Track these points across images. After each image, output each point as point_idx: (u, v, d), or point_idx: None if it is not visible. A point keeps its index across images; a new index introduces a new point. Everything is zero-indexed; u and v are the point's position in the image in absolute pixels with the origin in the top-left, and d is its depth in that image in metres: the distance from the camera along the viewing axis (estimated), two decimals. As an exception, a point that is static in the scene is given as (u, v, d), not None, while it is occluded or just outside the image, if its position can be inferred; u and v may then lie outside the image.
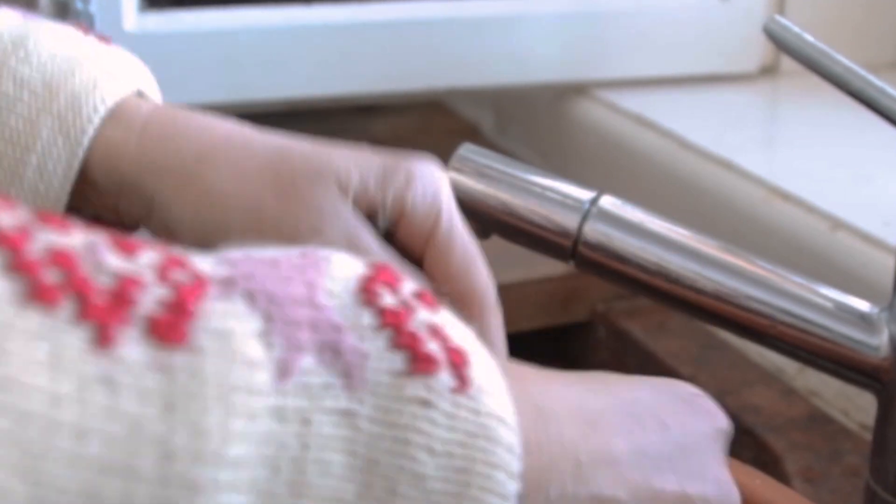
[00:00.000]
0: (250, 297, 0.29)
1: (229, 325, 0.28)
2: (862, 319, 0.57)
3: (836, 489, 0.70)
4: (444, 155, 0.61)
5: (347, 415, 0.30)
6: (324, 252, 0.32)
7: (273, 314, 0.29)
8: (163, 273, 0.28)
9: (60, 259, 0.26)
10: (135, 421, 0.26)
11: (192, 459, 0.26)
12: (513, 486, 0.32)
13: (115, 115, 0.50)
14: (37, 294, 0.25)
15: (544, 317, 0.92)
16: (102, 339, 0.26)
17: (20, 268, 0.25)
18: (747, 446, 0.77)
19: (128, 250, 0.28)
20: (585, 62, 1.07)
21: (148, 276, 0.27)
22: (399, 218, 0.50)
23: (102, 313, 0.26)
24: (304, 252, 0.32)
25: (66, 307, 0.26)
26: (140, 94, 0.53)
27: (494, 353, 0.47)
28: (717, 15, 1.09)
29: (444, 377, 0.31)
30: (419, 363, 0.31)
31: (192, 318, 0.27)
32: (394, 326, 0.31)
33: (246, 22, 0.99)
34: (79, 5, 0.90)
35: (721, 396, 0.80)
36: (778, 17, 0.58)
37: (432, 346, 0.32)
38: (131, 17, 0.95)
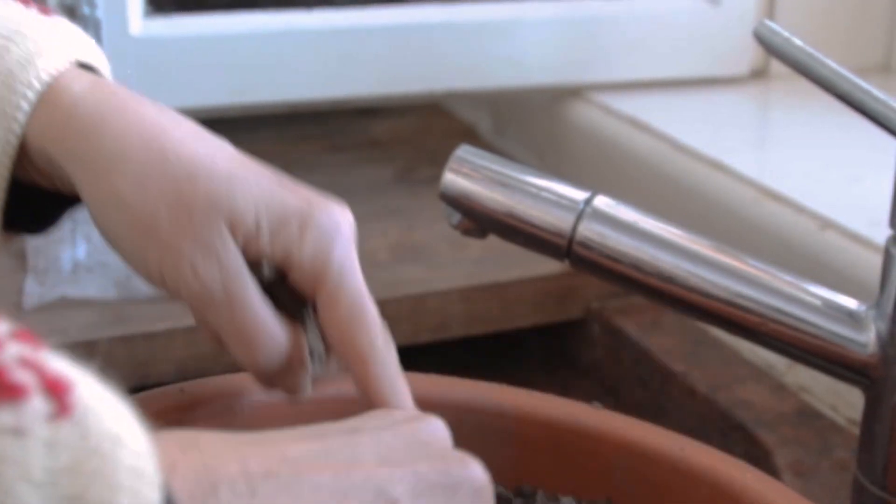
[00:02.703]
0: None
1: None
2: (850, 317, 0.57)
3: (824, 483, 0.70)
4: (442, 156, 0.61)
5: None
6: None
7: None
8: None
9: None
10: None
11: None
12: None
13: (47, 96, 0.49)
14: None
15: (540, 314, 0.92)
16: None
17: None
18: (738, 441, 0.76)
19: None
20: (580, 66, 1.07)
21: None
22: (287, 267, 0.50)
23: None
24: None
25: None
26: (81, 65, 0.52)
27: (373, 404, 0.48)
28: (708, 20, 1.09)
29: (38, 404, 0.29)
30: (4, 392, 0.29)
31: None
32: None
33: (249, 26, 0.99)
34: (85, 10, 0.90)
35: (713, 392, 0.80)
36: (768, 22, 0.58)
37: (22, 376, 0.29)
38: (137, 21, 0.95)
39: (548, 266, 0.89)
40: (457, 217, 0.61)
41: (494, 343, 0.94)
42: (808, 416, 0.77)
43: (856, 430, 0.68)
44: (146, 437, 0.31)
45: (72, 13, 0.89)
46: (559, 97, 1.10)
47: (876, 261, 0.59)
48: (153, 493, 0.30)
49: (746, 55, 1.11)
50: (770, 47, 0.58)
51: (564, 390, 0.76)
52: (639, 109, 1.03)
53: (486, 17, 1.05)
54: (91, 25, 0.90)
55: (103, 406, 0.31)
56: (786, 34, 0.58)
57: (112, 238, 0.48)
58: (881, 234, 0.58)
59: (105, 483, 0.30)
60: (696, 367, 0.83)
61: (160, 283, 0.48)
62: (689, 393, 0.82)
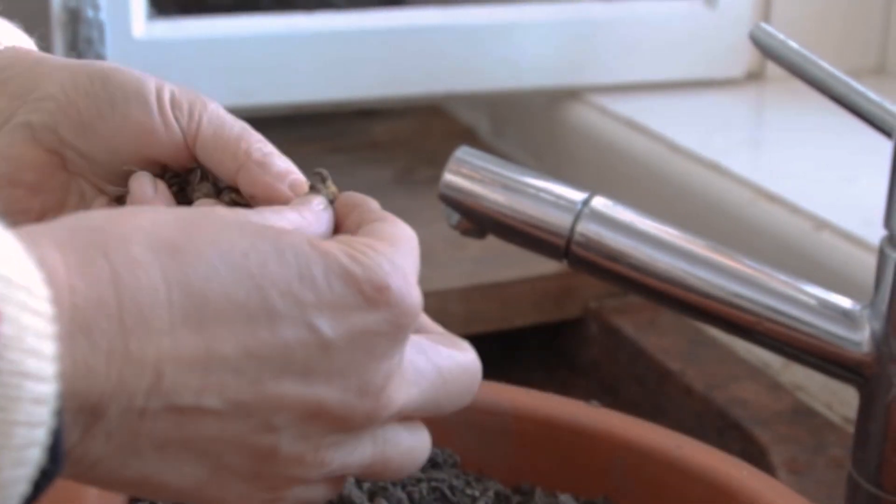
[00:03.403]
0: None
1: None
2: (845, 316, 0.57)
3: (820, 480, 0.70)
4: (441, 157, 0.61)
5: None
6: None
7: None
8: None
9: None
10: None
11: None
12: (42, 389, 0.28)
13: None
14: None
15: (539, 314, 0.92)
16: None
17: None
18: (734, 439, 0.76)
19: None
20: (578, 68, 1.07)
21: None
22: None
23: None
24: None
25: None
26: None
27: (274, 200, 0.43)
28: (704, 22, 1.09)
29: None
30: None
31: None
32: None
33: (251, 29, 0.99)
34: (89, 13, 0.90)
35: (710, 391, 0.80)
36: (763, 25, 0.58)
37: None
38: (140, 24, 0.95)
39: (546, 266, 0.89)
40: (456, 217, 0.61)
41: (493, 342, 0.94)
42: (803, 414, 0.77)
43: (850, 428, 0.68)
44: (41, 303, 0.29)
45: (76, 16, 0.89)
46: (557, 99, 1.10)
47: (870, 261, 0.59)
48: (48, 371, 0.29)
49: (742, 57, 1.11)
50: (766, 50, 0.58)
51: (563, 389, 0.76)
52: (636, 111, 1.03)
53: (484, 19, 1.05)
54: (95, 28, 0.90)
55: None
56: (781, 37, 0.58)
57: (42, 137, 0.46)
58: (875, 234, 0.58)
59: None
60: (693, 366, 0.83)
61: None
62: (685, 391, 0.82)
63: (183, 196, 0.47)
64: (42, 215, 0.45)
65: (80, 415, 0.31)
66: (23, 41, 0.52)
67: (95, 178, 0.47)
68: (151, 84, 0.45)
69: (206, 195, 0.47)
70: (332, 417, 0.36)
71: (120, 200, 0.48)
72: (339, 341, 0.35)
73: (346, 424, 0.36)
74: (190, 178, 0.48)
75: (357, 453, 0.37)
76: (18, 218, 0.44)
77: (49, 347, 0.29)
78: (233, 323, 0.33)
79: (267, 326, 0.34)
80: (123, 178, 0.47)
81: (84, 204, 0.47)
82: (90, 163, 0.46)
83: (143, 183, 0.45)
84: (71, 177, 0.47)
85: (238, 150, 0.45)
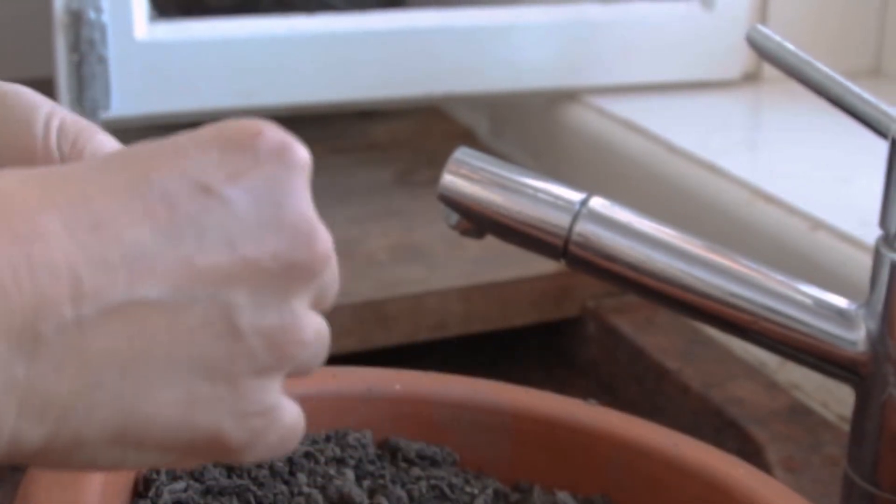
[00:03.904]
0: None
1: None
2: (840, 315, 0.57)
3: (815, 478, 0.70)
4: (441, 158, 0.61)
5: None
6: None
7: None
8: None
9: None
10: None
11: None
12: None
13: None
14: None
15: (537, 313, 0.92)
16: None
17: None
18: (731, 437, 0.77)
19: None
20: (576, 69, 1.07)
21: None
22: None
23: None
24: None
25: None
26: None
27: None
28: (701, 24, 1.09)
29: None
30: None
31: None
32: None
33: (252, 31, 0.99)
34: (91, 15, 0.90)
35: (706, 389, 0.80)
36: (760, 27, 0.58)
37: None
38: (142, 26, 0.95)
39: (544, 266, 0.89)
40: (455, 218, 0.61)
41: (492, 341, 0.94)
42: (799, 413, 0.77)
43: (846, 427, 0.68)
44: None
45: (78, 18, 0.89)
46: (555, 100, 1.10)
47: (866, 260, 0.59)
48: None
49: (739, 59, 1.11)
50: (762, 51, 0.58)
51: (561, 387, 0.76)
52: (633, 112, 1.03)
53: (483, 21, 1.05)
54: (97, 30, 0.90)
55: None
56: (778, 39, 0.58)
57: None
58: (871, 234, 0.58)
59: None
60: (690, 365, 0.83)
61: None
62: (683, 390, 0.82)
63: None
64: None
65: (12, 340, 0.30)
66: None
67: None
68: (42, 110, 0.44)
69: None
70: (278, 271, 0.35)
71: None
72: (239, 197, 0.34)
73: (296, 273, 0.35)
74: None
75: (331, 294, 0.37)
76: None
77: None
78: (130, 213, 0.32)
79: (164, 205, 0.33)
80: None
81: None
82: None
83: None
84: None
85: None
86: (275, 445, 0.36)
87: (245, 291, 0.34)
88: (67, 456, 0.32)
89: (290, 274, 0.35)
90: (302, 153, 0.36)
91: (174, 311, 0.33)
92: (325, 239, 0.37)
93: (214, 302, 0.33)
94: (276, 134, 0.36)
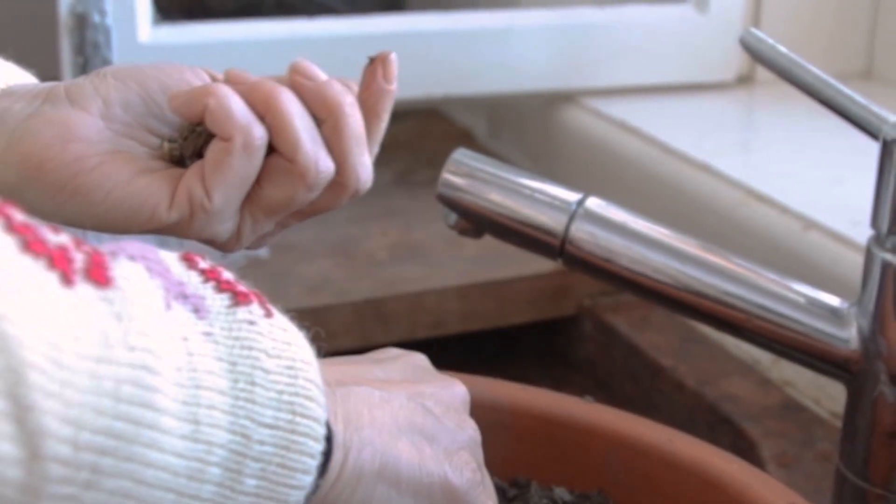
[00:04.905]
0: (132, 258, 0.39)
1: (130, 271, 0.38)
2: (832, 314, 0.57)
3: (808, 473, 0.70)
4: (440, 159, 0.61)
5: (207, 334, 0.39)
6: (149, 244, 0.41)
7: (151, 269, 0.39)
8: (77, 245, 0.37)
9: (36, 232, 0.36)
10: (100, 329, 0.35)
11: (143, 349, 0.36)
12: (319, 378, 0.42)
13: None
14: (27, 247, 0.35)
15: (534, 311, 0.92)
16: (66, 281, 0.35)
17: (16, 230, 0.35)
18: (725, 433, 0.77)
19: (55, 231, 0.37)
20: (573, 72, 1.07)
21: (72, 246, 0.37)
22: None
23: (63, 265, 0.36)
24: (140, 241, 0.41)
25: (42, 259, 0.35)
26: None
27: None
28: (696, 28, 1.10)
29: (256, 307, 0.41)
30: (239, 297, 0.41)
31: (108, 269, 0.37)
32: (213, 279, 0.41)
33: (253, 34, 0.99)
34: (96, 18, 0.90)
35: (701, 386, 0.80)
36: (753, 30, 0.59)
37: (241, 288, 0.42)
38: (146, 29, 0.95)
39: (541, 265, 0.89)
40: (454, 217, 0.61)
41: (490, 339, 0.94)
42: (792, 410, 0.77)
43: (838, 423, 0.68)
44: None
45: (82, 21, 0.89)
46: (552, 102, 1.10)
47: (858, 260, 0.59)
48: (316, 371, 0.42)
49: (733, 62, 1.11)
50: (756, 54, 0.58)
51: (558, 385, 0.76)
52: (629, 114, 1.03)
53: (481, 24, 1.05)
54: (101, 33, 0.90)
55: (283, 318, 0.42)
56: (771, 42, 0.58)
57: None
58: (862, 233, 0.58)
59: (303, 359, 0.41)
60: (685, 363, 0.83)
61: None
62: (677, 387, 0.82)
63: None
64: (100, 164, 0.51)
65: (338, 450, 0.43)
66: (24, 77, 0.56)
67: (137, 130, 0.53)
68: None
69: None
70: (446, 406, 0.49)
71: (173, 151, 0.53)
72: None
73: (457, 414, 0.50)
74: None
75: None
76: (75, 167, 0.50)
77: (313, 359, 0.43)
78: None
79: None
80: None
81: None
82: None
83: None
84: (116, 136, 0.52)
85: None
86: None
87: (428, 396, 0.49)
88: (354, 490, 0.44)
89: (448, 396, 0.50)
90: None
91: (388, 402, 0.46)
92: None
93: (411, 399, 0.47)
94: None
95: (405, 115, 1.21)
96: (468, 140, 1.17)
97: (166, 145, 0.53)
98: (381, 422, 0.45)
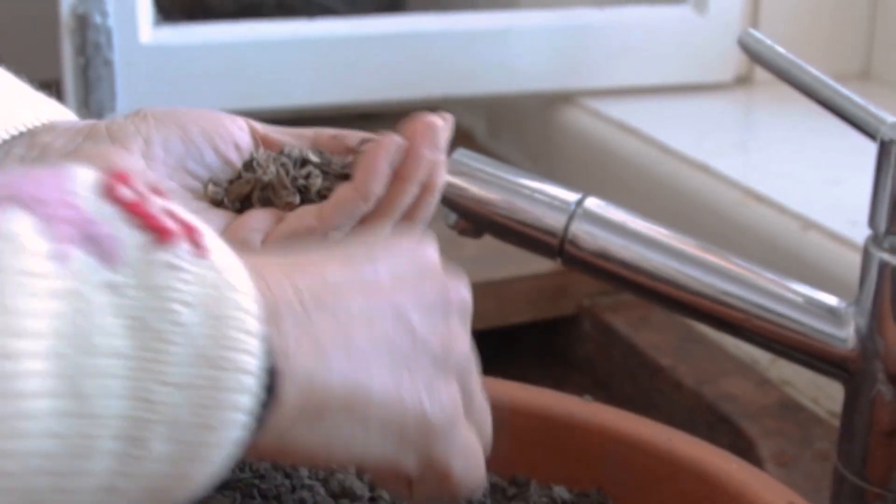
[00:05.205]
0: (20, 203, 0.34)
1: (12, 227, 0.33)
2: (830, 313, 0.57)
3: (806, 472, 0.70)
4: (439, 159, 0.61)
5: (112, 286, 0.34)
6: (65, 166, 0.37)
7: (41, 214, 0.34)
8: None
9: None
10: None
11: (2, 332, 0.32)
12: (257, 325, 0.36)
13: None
14: None
15: (534, 311, 0.92)
16: None
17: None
18: (724, 432, 0.77)
19: None
20: (572, 72, 1.07)
21: None
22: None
23: None
24: (50, 167, 0.36)
25: None
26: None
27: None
28: (694, 28, 1.10)
29: (184, 245, 0.36)
30: (162, 235, 0.35)
31: None
32: (134, 212, 0.36)
33: (254, 35, 0.99)
34: (97, 19, 0.90)
35: (699, 386, 0.80)
36: (752, 30, 0.59)
37: (168, 223, 0.36)
38: (147, 30, 0.95)
39: (541, 265, 0.89)
40: (453, 217, 0.61)
41: (490, 339, 0.94)
42: (790, 409, 0.77)
43: (836, 422, 0.68)
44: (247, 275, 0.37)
45: (84, 22, 0.89)
46: (551, 103, 1.10)
47: (855, 259, 0.59)
48: (256, 309, 0.36)
49: (731, 62, 1.11)
50: (754, 55, 0.58)
51: (557, 384, 0.76)
52: (628, 114, 1.03)
53: (481, 25, 1.05)
54: (102, 33, 0.90)
55: (223, 249, 0.37)
56: (769, 42, 0.58)
57: None
58: (860, 233, 0.58)
59: (237, 305, 0.36)
60: (684, 362, 0.83)
61: None
62: (676, 386, 0.82)
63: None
64: None
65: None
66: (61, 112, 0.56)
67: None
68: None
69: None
70: (435, 301, 0.45)
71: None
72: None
73: (447, 305, 0.46)
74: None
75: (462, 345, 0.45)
76: None
77: (253, 304, 0.37)
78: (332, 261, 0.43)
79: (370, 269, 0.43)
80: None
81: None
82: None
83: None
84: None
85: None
86: (464, 447, 0.43)
87: (416, 311, 0.43)
88: (313, 427, 0.39)
89: (444, 305, 0.45)
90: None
91: (369, 319, 0.41)
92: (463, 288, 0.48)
93: (397, 315, 0.42)
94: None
95: (405, 115, 1.21)
96: (468, 140, 1.17)
97: (210, 188, 0.53)
98: (355, 345, 0.40)
